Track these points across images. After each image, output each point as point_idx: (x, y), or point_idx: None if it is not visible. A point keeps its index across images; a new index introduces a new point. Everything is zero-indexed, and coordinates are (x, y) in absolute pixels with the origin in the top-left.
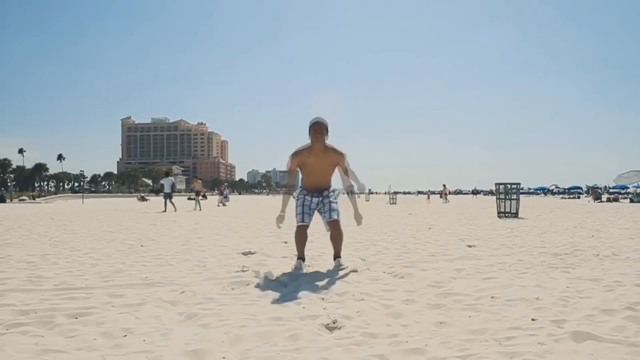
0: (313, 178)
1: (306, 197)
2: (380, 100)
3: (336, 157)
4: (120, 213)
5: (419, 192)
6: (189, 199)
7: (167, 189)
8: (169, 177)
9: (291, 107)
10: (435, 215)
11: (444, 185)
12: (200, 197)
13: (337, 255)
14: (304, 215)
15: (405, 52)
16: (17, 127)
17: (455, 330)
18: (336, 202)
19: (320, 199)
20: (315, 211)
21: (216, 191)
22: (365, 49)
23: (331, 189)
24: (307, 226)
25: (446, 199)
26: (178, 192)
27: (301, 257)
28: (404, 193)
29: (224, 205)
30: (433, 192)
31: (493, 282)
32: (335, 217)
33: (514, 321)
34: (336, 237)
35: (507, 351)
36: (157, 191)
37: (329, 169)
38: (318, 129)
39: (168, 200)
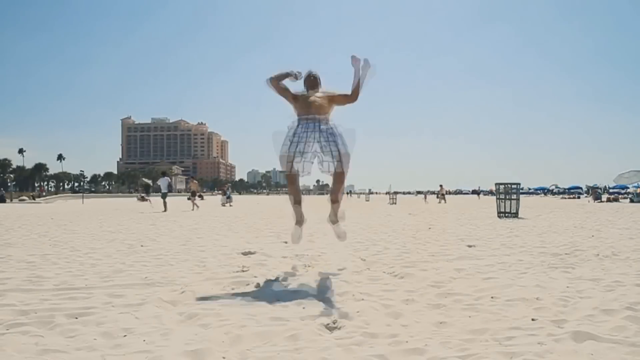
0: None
1: (298, 130)
2: (380, 100)
3: (331, 99)
4: (120, 213)
5: (418, 192)
6: (189, 198)
7: (163, 189)
8: (165, 177)
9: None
10: (435, 215)
11: (441, 186)
12: (196, 198)
13: (335, 220)
14: (294, 162)
15: (406, 53)
16: (17, 127)
17: (455, 330)
18: (342, 143)
19: (318, 134)
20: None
21: (217, 191)
22: (366, 49)
23: (331, 123)
24: (298, 176)
25: (443, 199)
26: (178, 192)
27: (299, 222)
28: (404, 193)
29: (224, 205)
30: (432, 192)
31: (493, 282)
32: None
33: (514, 321)
34: (335, 191)
35: (507, 351)
36: (147, 190)
37: (328, 108)
38: (314, 85)
39: (164, 200)
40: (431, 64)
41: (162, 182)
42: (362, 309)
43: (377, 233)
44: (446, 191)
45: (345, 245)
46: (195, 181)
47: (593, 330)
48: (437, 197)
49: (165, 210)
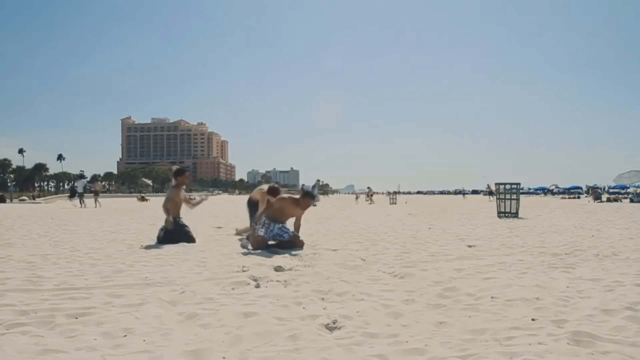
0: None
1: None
2: (379, 100)
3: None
4: (120, 213)
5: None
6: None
7: (80, 189)
8: (82, 180)
9: (291, 107)
10: (435, 215)
11: (369, 187)
12: (97, 196)
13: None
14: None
15: (407, 52)
16: (17, 127)
17: (455, 330)
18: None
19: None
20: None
21: (217, 192)
22: (366, 49)
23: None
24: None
25: (371, 200)
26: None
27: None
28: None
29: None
30: (375, 193)
31: (493, 282)
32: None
33: (514, 321)
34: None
35: (507, 351)
36: (73, 193)
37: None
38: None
39: (80, 199)
40: (432, 64)
41: (79, 184)
42: (362, 309)
43: (377, 233)
44: (373, 193)
45: (345, 245)
46: (99, 183)
47: (593, 330)
48: (366, 198)
49: (81, 207)
